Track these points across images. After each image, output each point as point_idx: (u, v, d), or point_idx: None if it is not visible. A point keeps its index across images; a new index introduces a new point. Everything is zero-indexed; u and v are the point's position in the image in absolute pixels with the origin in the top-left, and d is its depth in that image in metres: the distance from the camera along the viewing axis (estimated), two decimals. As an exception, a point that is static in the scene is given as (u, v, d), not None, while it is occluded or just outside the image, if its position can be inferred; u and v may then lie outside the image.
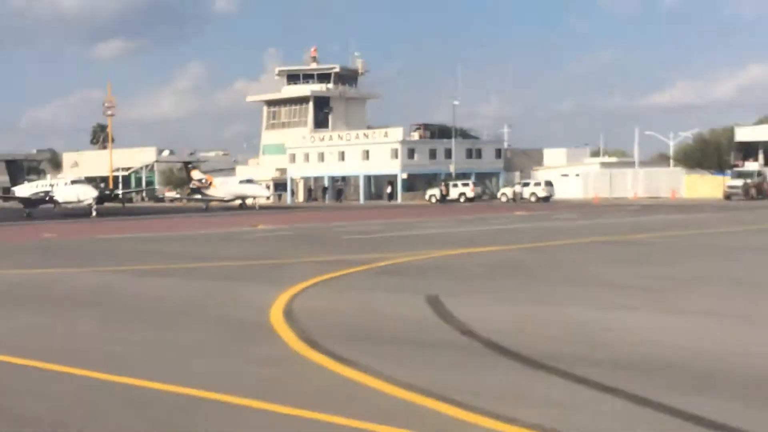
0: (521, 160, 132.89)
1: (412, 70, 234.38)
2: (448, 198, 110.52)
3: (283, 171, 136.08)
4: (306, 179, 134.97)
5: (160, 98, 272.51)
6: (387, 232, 44.28)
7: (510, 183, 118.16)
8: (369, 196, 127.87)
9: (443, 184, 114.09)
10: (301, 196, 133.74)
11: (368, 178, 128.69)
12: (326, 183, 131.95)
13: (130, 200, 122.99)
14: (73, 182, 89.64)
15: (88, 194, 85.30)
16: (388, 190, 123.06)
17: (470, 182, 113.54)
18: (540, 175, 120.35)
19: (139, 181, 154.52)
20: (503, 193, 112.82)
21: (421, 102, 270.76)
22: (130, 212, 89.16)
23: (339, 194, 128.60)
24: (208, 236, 44.96)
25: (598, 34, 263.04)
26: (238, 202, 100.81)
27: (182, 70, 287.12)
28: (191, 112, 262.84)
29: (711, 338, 13.78)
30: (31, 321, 16.81)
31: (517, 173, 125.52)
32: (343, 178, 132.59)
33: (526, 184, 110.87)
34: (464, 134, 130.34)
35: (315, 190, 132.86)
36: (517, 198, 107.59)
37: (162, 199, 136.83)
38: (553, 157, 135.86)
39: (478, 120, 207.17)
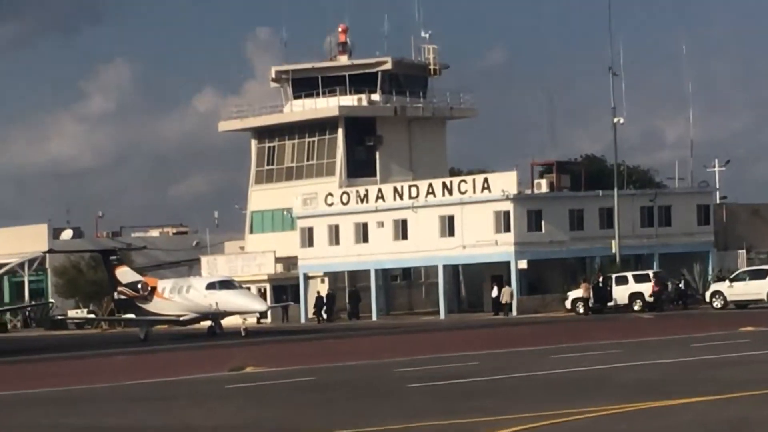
0: (750, 226, 58.20)
1: (521, 63, 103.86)
2: (610, 304, 48.06)
3: (290, 261, 56.04)
4: (333, 275, 54.87)
5: (50, 130, 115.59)
6: (490, 373, 20.80)
7: (728, 272, 50.06)
8: (457, 302, 54.93)
9: (599, 277, 49.35)
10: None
11: (453, 270, 53.79)
12: (373, 281, 52.04)
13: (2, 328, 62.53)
14: None
15: None
16: (494, 292, 50.59)
17: (651, 273, 48.86)
18: (789, 255, 55.83)
19: (16, 289, 72.25)
20: (716, 293, 47.04)
21: (540, 121, 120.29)
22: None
23: (328, 303, 51.90)
24: (148, 391, 20.59)
25: None
26: (208, 323, 44.56)
27: (90, 70, 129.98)
28: (111, 155, 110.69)
29: None
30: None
31: (742, 252, 54.75)
32: (405, 272, 56.12)
33: (761, 274, 46.41)
34: (640, 178, 60.01)
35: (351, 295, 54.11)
36: (742, 301, 46.92)
37: (62, 323, 63.59)
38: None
39: (659, 152, 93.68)
